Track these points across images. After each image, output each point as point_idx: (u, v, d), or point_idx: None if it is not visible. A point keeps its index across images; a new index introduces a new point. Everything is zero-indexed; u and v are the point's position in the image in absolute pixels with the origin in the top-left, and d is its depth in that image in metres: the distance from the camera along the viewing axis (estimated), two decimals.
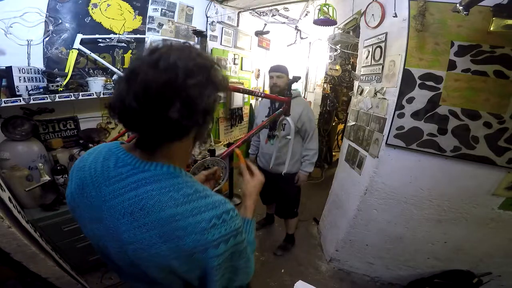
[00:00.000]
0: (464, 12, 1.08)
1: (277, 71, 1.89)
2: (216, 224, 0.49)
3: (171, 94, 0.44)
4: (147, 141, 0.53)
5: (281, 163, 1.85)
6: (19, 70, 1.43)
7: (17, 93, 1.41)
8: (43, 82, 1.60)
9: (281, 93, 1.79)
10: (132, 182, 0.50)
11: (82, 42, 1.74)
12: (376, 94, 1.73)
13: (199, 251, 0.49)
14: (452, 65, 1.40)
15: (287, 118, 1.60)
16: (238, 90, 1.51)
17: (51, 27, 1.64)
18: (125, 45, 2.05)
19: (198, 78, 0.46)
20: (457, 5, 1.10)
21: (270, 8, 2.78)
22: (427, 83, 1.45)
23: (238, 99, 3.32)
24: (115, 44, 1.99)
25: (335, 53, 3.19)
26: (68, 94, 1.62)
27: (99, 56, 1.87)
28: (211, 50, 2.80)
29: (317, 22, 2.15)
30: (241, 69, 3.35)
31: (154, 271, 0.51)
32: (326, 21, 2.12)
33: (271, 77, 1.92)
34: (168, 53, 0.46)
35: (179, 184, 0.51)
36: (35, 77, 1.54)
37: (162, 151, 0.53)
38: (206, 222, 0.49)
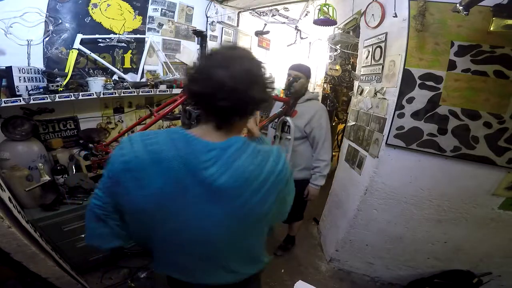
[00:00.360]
0: (464, 12, 1.08)
1: (296, 70, 1.75)
2: (285, 165, 0.65)
3: (253, 80, 0.60)
4: (229, 118, 0.62)
5: None
6: (19, 70, 1.42)
7: (17, 93, 1.41)
8: (43, 82, 1.60)
9: (297, 94, 1.72)
10: (227, 161, 0.58)
11: (82, 42, 1.74)
12: (376, 94, 1.73)
13: (283, 191, 0.66)
14: (452, 65, 1.40)
15: (287, 118, 1.60)
16: None
17: (51, 27, 1.64)
18: (125, 45, 2.05)
19: (264, 72, 0.63)
20: (457, 5, 1.10)
21: (270, 8, 2.78)
22: (427, 83, 1.45)
23: None
24: (115, 44, 1.98)
25: (335, 53, 3.19)
26: (68, 94, 1.62)
27: (99, 56, 1.87)
28: (211, 50, 2.79)
29: (317, 22, 2.15)
30: None
31: (260, 229, 0.70)
32: (326, 21, 2.12)
33: (288, 75, 1.78)
34: (244, 52, 0.64)
35: (254, 148, 0.62)
36: (35, 77, 1.54)
37: (234, 128, 0.65)
38: (284, 168, 0.64)
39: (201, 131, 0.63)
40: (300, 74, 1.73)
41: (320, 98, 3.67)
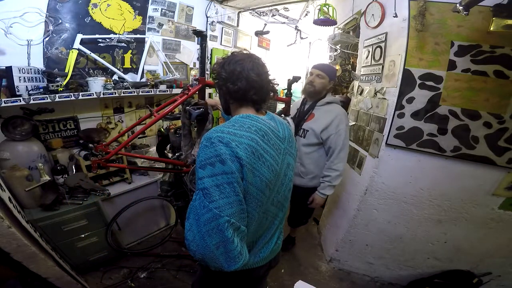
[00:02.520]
0: (464, 12, 1.08)
1: (319, 69, 1.65)
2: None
3: (268, 79, 0.85)
4: (261, 104, 0.84)
5: (295, 174, 1.68)
6: (19, 70, 1.42)
7: (17, 93, 1.41)
8: (43, 82, 1.60)
9: (317, 95, 1.66)
10: (278, 123, 0.85)
11: (82, 42, 1.74)
12: (376, 94, 1.73)
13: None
14: (452, 65, 1.40)
15: (287, 118, 1.60)
16: None
17: (51, 27, 1.64)
18: (125, 45, 2.05)
19: (268, 70, 0.86)
20: (457, 5, 1.10)
21: (270, 8, 2.78)
22: (427, 83, 1.45)
23: None
24: (115, 44, 1.98)
25: (335, 53, 3.19)
26: (68, 94, 1.62)
27: (99, 56, 1.87)
28: (211, 50, 2.80)
29: (317, 22, 2.15)
30: None
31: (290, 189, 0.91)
32: (326, 21, 2.12)
33: (310, 74, 1.69)
34: (259, 59, 0.84)
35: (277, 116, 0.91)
36: (35, 77, 1.54)
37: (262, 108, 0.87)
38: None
39: (252, 113, 0.82)
40: (324, 75, 1.64)
41: None
